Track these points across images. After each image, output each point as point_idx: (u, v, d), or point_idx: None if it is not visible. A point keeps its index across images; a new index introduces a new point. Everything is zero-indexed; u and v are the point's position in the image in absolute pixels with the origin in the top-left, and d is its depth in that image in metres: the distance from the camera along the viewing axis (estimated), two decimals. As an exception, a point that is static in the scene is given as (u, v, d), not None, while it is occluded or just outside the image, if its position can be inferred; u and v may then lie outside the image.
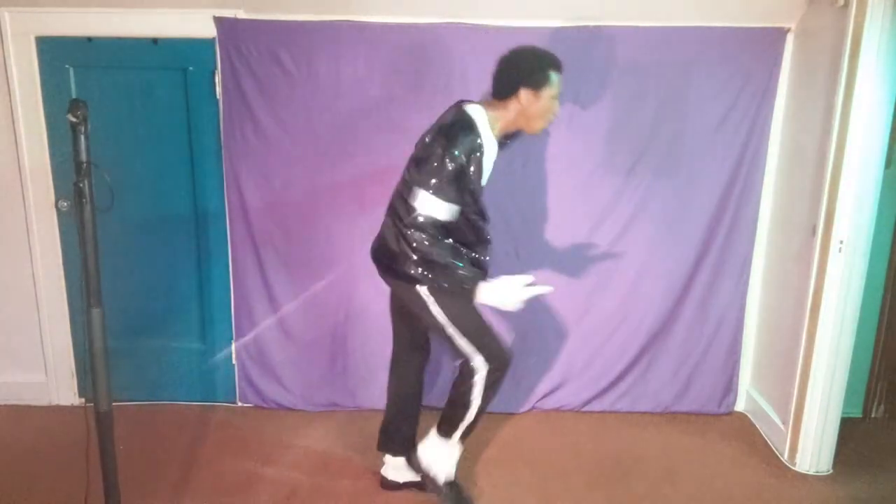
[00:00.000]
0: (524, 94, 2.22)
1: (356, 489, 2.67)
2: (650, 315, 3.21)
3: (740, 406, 3.36)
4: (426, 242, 2.14)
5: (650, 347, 3.25)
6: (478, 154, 2.16)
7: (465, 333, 2.32)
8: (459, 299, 2.28)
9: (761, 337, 3.26)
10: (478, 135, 2.17)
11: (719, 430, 3.17)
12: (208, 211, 3.16)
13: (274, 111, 2.98)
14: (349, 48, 2.92)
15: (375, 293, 3.19)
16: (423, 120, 3.00)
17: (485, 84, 2.98)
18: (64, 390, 3.33)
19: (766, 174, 3.10)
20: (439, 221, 2.16)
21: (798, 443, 2.83)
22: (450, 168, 2.12)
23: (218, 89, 2.99)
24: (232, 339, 3.28)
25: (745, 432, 3.16)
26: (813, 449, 2.81)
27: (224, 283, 3.22)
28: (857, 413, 3.26)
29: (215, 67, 2.96)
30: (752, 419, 3.27)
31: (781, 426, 2.97)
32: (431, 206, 2.13)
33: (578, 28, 2.89)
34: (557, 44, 2.89)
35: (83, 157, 1.85)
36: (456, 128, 2.17)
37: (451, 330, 2.30)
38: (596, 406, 3.31)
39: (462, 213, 2.23)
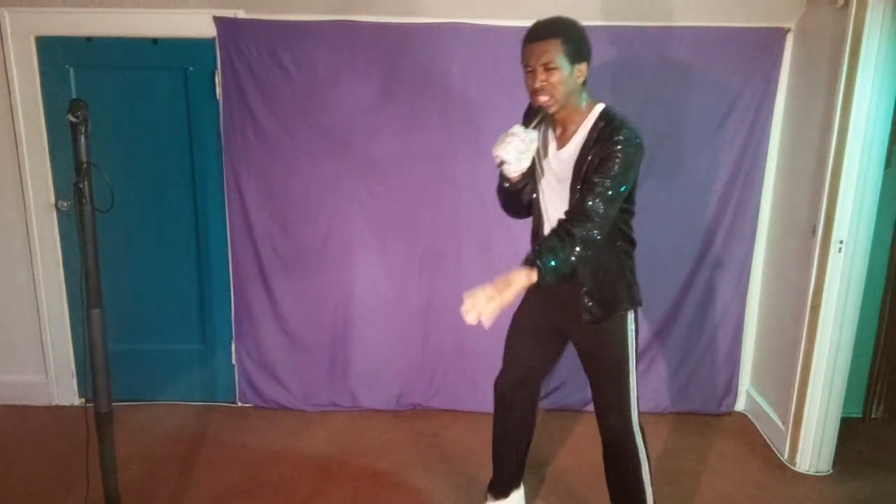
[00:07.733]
0: None
1: (356, 489, 2.67)
2: (650, 315, 3.21)
3: (740, 406, 3.36)
4: None
5: (650, 347, 3.24)
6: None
7: None
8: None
9: (761, 337, 3.26)
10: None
11: (719, 430, 3.17)
12: (208, 211, 3.16)
13: (274, 111, 2.98)
14: (349, 48, 2.92)
15: (375, 293, 3.20)
16: (422, 120, 3.03)
17: (484, 84, 3.00)
18: (64, 390, 3.33)
19: (766, 174, 3.10)
20: None
21: (798, 443, 2.83)
22: None
23: (218, 89, 2.99)
24: (232, 339, 3.28)
25: (745, 432, 3.16)
26: (813, 449, 2.81)
27: (224, 283, 3.22)
28: (857, 413, 3.26)
29: (215, 67, 2.96)
30: (752, 419, 3.27)
31: (781, 426, 2.97)
32: None
33: (578, 28, 2.89)
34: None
35: (83, 157, 1.85)
36: None
37: None
38: (596, 406, 3.31)
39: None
